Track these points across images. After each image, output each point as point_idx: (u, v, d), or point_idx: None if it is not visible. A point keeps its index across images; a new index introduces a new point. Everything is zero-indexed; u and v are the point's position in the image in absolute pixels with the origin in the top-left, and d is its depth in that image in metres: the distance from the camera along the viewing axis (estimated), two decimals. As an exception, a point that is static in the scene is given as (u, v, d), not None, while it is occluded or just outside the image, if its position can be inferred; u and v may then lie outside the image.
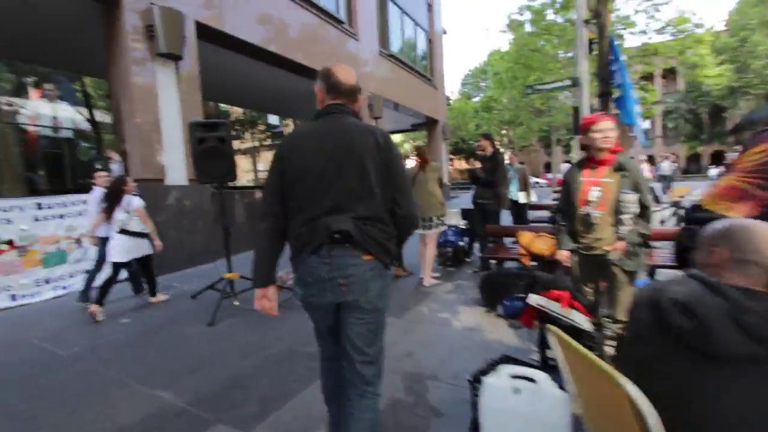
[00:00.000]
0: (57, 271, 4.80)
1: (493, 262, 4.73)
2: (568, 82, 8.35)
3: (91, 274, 4.37)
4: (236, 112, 18.42)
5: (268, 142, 21.22)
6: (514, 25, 17.10)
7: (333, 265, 1.46)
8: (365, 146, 1.49)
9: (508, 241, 5.19)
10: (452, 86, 56.69)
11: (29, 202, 4.59)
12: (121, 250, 3.96)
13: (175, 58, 6.04)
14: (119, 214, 3.95)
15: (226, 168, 3.89)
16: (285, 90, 10.94)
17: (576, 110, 8.26)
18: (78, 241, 5.01)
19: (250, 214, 7.72)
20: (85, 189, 4.90)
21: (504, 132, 28.55)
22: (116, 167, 5.11)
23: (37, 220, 4.62)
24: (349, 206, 1.47)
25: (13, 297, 4.42)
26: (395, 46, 13.25)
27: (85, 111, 11.75)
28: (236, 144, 16.63)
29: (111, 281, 3.98)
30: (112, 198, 4.00)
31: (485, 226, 4.70)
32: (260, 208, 1.61)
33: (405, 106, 13.70)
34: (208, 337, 3.33)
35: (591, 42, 7.72)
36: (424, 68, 15.75)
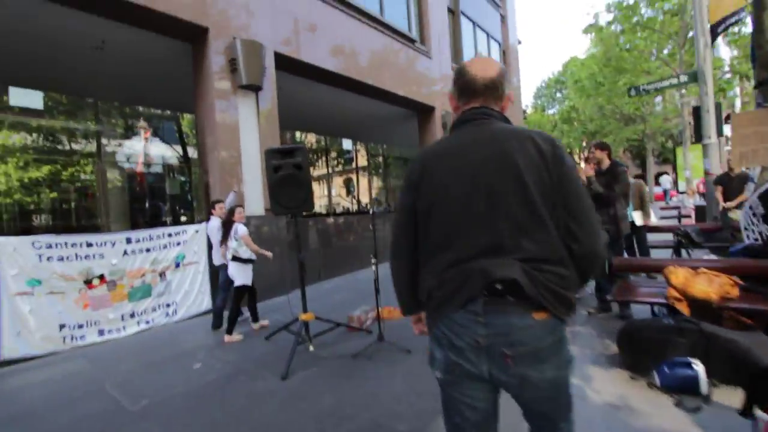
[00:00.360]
0: (142, 305, 4.81)
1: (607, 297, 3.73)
2: (684, 78, 7.01)
3: (217, 302, 4.74)
4: (309, 140, 19.10)
5: (340, 168, 21.61)
6: (596, 29, 15.58)
7: (491, 327, 1.07)
8: (525, 159, 1.09)
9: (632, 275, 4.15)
10: (525, 99, 54.11)
11: (120, 236, 4.68)
12: (237, 275, 4.27)
13: (255, 89, 6.08)
14: (231, 242, 4.27)
15: (302, 196, 3.53)
16: (358, 114, 10.86)
17: (697, 111, 6.87)
18: (162, 275, 5.02)
19: (324, 241, 7.47)
20: (176, 222, 4.97)
21: (584, 144, 26.11)
22: (230, 198, 5.21)
23: (125, 254, 4.69)
24: (512, 243, 1.09)
25: (101, 332, 4.46)
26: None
27: (179, 148, 12.87)
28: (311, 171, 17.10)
29: (236, 308, 4.26)
30: (225, 227, 4.40)
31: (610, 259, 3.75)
32: (391, 244, 1.36)
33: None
34: (280, 396, 2.86)
35: (715, 27, 6.41)
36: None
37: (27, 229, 7.63)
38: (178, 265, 5.19)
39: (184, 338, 4.43)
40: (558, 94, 34.92)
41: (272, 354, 3.66)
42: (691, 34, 11.46)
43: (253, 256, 4.34)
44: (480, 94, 1.22)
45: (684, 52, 11.07)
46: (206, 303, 5.46)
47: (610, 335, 3.39)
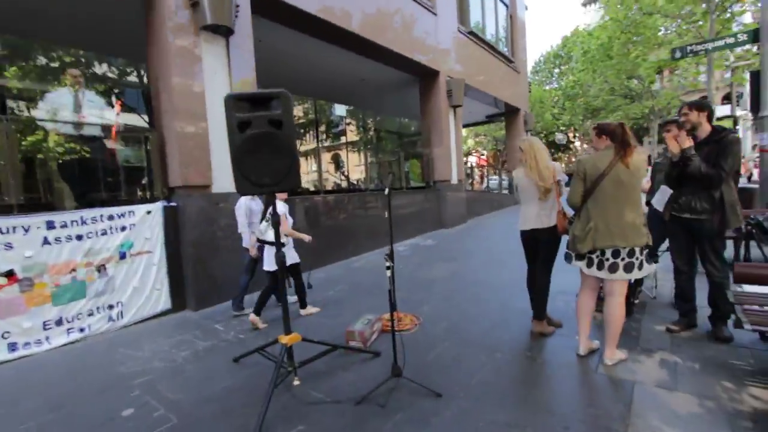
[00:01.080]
0: (72, 309, 3.65)
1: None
2: (743, 37, 5.91)
3: (240, 283, 4.22)
4: (296, 113, 17.52)
5: (329, 142, 20.11)
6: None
7: None
8: None
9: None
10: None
11: (37, 220, 3.46)
12: (267, 259, 3.82)
13: (225, 32, 4.76)
14: (263, 224, 3.80)
15: (284, 168, 2.37)
16: (352, 78, 9.52)
17: (755, 75, 5.82)
18: (101, 269, 3.85)
19: (311, 222, 6.32)
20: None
21: (589, 123, 25.08)
22: None
23: (47, 243, 3.50)
24: None
25: (12, 347, 3.31)
26: (474, 22, 11.29)
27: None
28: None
29: (267, 290, 3.82)
30: (266, 206, 3.78)
31: (734, 264, 2.74)
32: None
33: (485, 92, 11.69)
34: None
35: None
36: (505, 49, 13.58)
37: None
38: (123, 256, 4.01)
39: (128, 353, 3.31)
40: (556, 70, 33.60)
41: (240, 391, 2.59)
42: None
43: (284, 240, 3.62)
44: None
45: (716, 17, 9.93)
46: (164, 302, 4.34)
47: (718, 371, 2.41)
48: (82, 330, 3.71)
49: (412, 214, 8.66)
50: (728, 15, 10.68)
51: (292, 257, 3.91)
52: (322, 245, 6.15)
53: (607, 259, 2.53)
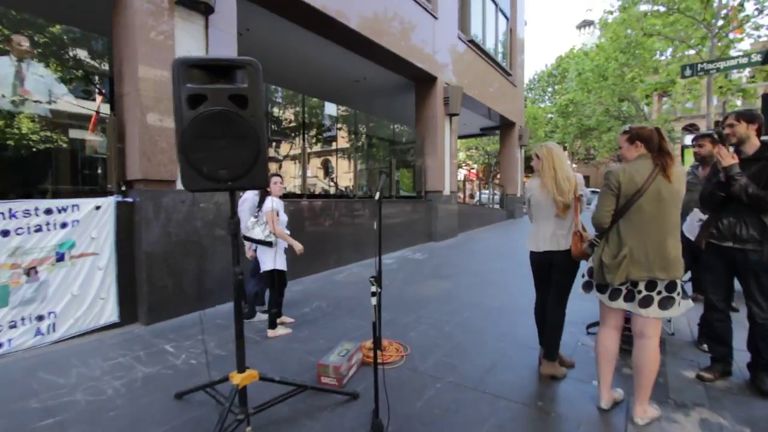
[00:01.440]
0: (-12, 319, 3.02)
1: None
2: (757, 58, 5.65)
3: (247, 289, 3.98)
4: (287, 116, 16.91)
5: (319, 147, 19.49)
6: (618, 17, 14.12)
7: None
8: None
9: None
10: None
11: (-51, 208, 2.85)
12: (262, 258, 3.57)
13: (204, 10, 4.25)
14: (250, 219, 3.55)
15: (247, 159, 1.83)
16: (346, 78, 9.06)
17: (767, 99, 5.55)
18: (30, 272, 3.22)
19: (291, 229, 5.75)
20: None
21: (579, 143, 25.18)
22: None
23: (-40, 237, 2.88)
24: None
25: None
26: (474, 31, 11.00)
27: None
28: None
29: (279, 297, 3.62)
30: (261, 201, 3.61)
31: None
32: None
33: (482, 103, 11.37)
34: None
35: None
36: (503, 61, 13.35)
37: None
38: (61, 258, 3.39)
39: (49, 379, 2.69)
40: (550, 89, 33.92)
41: (177, 442, 2.01)
42: (721, 22, 10.26)
43: (271, 238, 3.47)
44: None
45: (716, 42, 9.83)
46: (110, 313, 3.71)
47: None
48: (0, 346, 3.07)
49: (401, 224, 8.17)
50: (727, 42, 10.65)
51: (279, 263, 3.55)
52: (302, 255, 5.58)
53: (639, 291, 2.06)
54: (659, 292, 2.05)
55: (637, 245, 2.02)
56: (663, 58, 15.63)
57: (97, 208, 3.61)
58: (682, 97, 14.91)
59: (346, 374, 2.57)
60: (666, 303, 2.05)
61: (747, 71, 13.97)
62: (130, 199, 3.86)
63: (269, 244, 3.51)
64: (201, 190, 1.83)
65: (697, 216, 2.99)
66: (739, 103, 15.93)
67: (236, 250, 1.97)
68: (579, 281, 2.43)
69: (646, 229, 2.02)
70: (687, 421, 2.15)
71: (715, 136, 3.02)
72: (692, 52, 11.80)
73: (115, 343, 3.40)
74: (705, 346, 2.94)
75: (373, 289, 1.82)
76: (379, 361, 2.87)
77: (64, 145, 4.45)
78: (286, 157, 15.36)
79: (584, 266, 2.67)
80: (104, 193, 3.89)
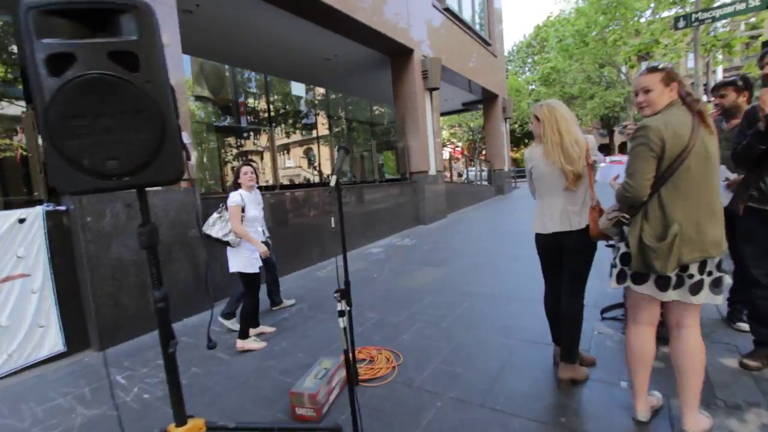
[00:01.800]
0: None
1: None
2: (755, 2, 5.22)
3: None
4: (261, 105, 16.03)
5: (299, 136, 18.61)
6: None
7: None
8: None
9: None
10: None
11: None
12: (231, 259, 3.11)
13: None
14: (212, 215, 3.21)
15: (148, 142, 1.31)
16: (316, 56, 8.40)
17: (768, 47, 5.14)
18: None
19: (272, 221, 5.22)
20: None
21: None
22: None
23: None
24: None
25: None
26: (449, 2, 10.34)
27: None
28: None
29: (248, 303, 3.08)
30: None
31: None
32: None
33: (462, 75, 10.81)
34: None
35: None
36: (481, 31, 12.73)
37: None
38: (-21, 285, 2.84)
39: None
40: (530, 60, 33.33)
41: None
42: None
43: (229, 238, 3.06)
44: None
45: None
46: (53, 342, 3.18)
47: None
48: None
49: (386, 210, 7.68)
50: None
51: (244, 265, 3.06)
52: (281, 250, 5.04)
53: (691, 276, 1.63)
54: (710, 273, 1.63)
55: (687, 219, 1.57)
56: (644, 20, 15.20)
57: (21, 221, 3.04)
58: (663, 58, 14.51)
59: (326, 401, 2.11)
60: (717, 284, 1.64)
61: (727, 26, 13.63)
62: (63, 207, 3.28)
63: (227, 244, 3.08)
64: (83, 192, 1.30)
65: (723, 174, 2.56)
66: (720, 57, 15.62)
67: (155, 270, 1.46)
68: (604, 270, 1.99)
69: (695, 196, 1.58)
70: (744, 428, 1.75)
71: (740, 83, 2.57)
72: (673, 11, 11.37)
73: (58, 378, 2.89)
74: (740, 324, 2.56)
75: (340, 307, 1.34)
76: (367, 377, 2.44)
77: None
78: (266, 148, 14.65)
79: (603, 250, 2.24)
80: (31, 203, 3.30)
